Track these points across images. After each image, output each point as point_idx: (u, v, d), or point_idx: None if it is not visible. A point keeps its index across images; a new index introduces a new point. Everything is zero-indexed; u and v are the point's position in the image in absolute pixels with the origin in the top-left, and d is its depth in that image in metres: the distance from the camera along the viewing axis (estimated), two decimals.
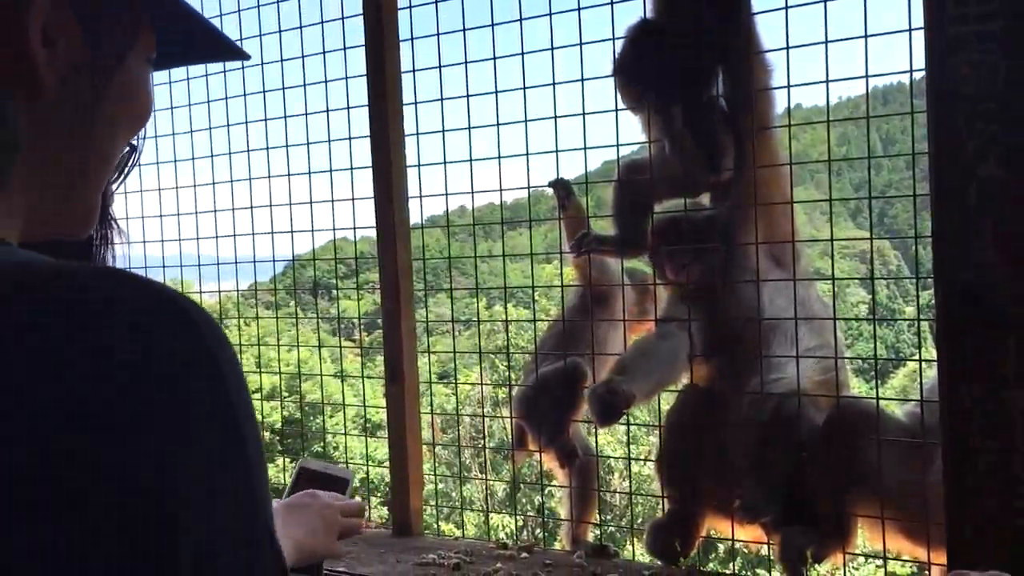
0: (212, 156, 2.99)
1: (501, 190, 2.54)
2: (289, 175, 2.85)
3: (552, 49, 2.36)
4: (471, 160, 2.53)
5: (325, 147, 2.75)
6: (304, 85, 2.74)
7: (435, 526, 2.73)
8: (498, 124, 2.46)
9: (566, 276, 2.76)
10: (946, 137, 1.65)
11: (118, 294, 0.47)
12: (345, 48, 2.65)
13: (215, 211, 3.02)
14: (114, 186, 0.70)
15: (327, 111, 2.71)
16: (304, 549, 1.38)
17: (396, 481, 2.62)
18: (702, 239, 2.32)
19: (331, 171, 2.76)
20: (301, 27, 2.75)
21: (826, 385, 2.21)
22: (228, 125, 2.92)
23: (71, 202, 0.65)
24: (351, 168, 2.74)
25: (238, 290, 3.53)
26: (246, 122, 2.89)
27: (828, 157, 2.22)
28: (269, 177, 2.87)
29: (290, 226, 2.84)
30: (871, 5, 1.93)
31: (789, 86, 2.11)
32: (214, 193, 3.02)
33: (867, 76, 1.96)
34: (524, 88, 2.40)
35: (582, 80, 2.32)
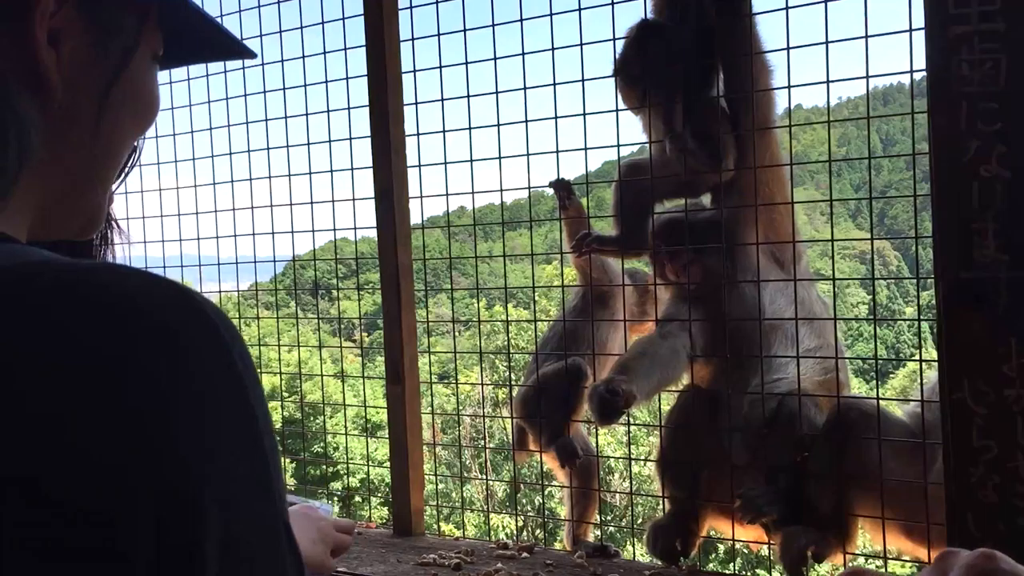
0: (213, 156, 2.99)
1: (502, 190, 2.55)
2: (290, 175, 2.85)
3: (553, 49, 2.37)
4: (471, 160, 2.53)
5: (326, 147, 2.75)
6: (305, 85, 2.74)
7: (435, 526, 2.73)
8: (498, 124, 2.46)
9: (566, 276, 2.76)
10: (946, 137, 1.65)
11: (140, 291, 0.48)
12: (346, 48, 2.65)
13: (215, 211, 3.03)
14: (114, 186, 0.70)
15: (328, 111, 2.72)
16: (307, 558, 1.38)
17: (397, 481, 2.62)
18: (703, 240, 2.32)
19: (331, 171, 2.77)
20: (302, 27, 2.76)
21: (826, 385, 2.21)
22: (229, 125, 2.92)
23: (78, 201, 0.65)
24: (351, 168, 2.74)
25: (238, 290, 3.53)
26: (247, 122, 2.89)
27: (828, 157, 2.22)
28: (270, 177, 2.88)
29: (290, 226, 2.84)
30: (871, 5, 1.94)
31: (789, 86, 2.11)
32: (215, 193, 3.03)
33: (867, 76, 1.97)
34: (525, 88, 2.40)
35: (583, 80, 2.32)
